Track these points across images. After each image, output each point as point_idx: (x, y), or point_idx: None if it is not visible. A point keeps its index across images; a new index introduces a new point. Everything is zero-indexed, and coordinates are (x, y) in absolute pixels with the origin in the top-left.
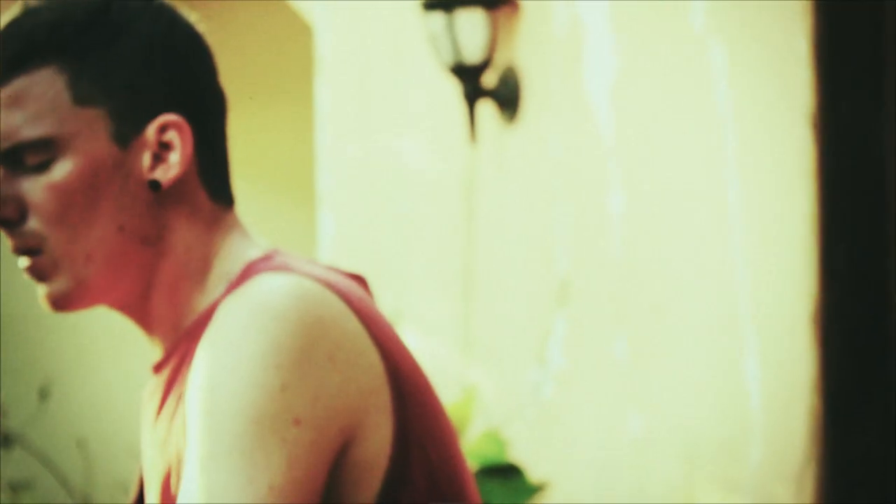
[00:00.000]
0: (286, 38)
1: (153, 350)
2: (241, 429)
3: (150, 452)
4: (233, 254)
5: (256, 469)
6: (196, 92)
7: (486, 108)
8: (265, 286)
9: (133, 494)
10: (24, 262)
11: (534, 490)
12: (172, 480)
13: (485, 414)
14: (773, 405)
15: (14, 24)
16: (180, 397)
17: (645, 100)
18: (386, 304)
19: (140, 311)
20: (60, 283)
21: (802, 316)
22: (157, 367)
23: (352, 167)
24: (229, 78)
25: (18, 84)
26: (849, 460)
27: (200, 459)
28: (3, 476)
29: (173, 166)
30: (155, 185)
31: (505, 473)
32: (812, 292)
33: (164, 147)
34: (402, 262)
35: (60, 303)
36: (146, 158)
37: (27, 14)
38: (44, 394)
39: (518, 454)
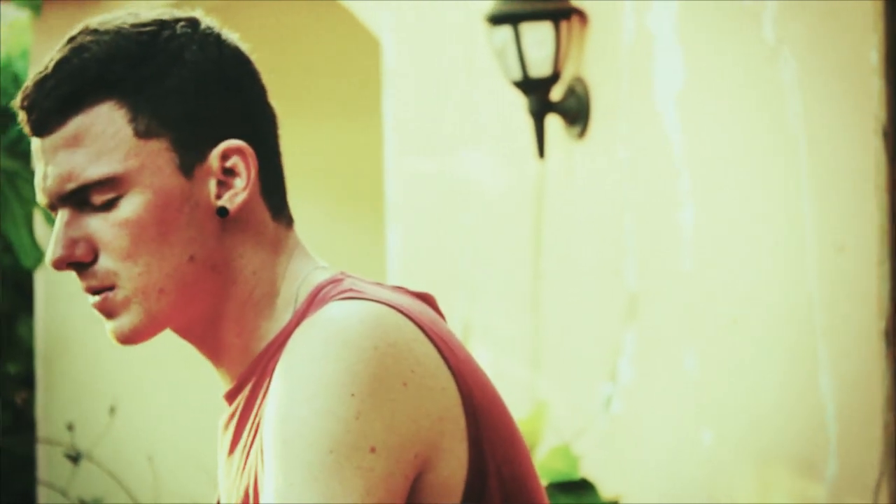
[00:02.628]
0: (354, 51)
1: (223, 383)
2: (317, 458)
3: (227, 483)
4: (299, 277)
5: (334, 498)
6: (251, 114)
7: (553, 121)
8: (338, 313)
9: None
10: (94, 299)
11: None
12: None
13: (555, 429)
14: (846, 420)
15: (64, 62)
16: (255, 426)
17: (714, 111)
18: (455, 318)
19: (207, 339)
20: (132, 318)
21: (875, 330)
22: (230, 396)
23: (419, 181)
24: (297, 92)
25: (77, 123)
26: None
27: (277, 490)
28: (74, 492)
29: (240, 192)
30: (223, 212)
31: (576, 489)
32: (885, 306)
33: (229, 173)
34: (471, 276)
35: (130, 337)
36: (212, 186)
37: (75, 51)
38: (112, 411)
39: (589, 469)
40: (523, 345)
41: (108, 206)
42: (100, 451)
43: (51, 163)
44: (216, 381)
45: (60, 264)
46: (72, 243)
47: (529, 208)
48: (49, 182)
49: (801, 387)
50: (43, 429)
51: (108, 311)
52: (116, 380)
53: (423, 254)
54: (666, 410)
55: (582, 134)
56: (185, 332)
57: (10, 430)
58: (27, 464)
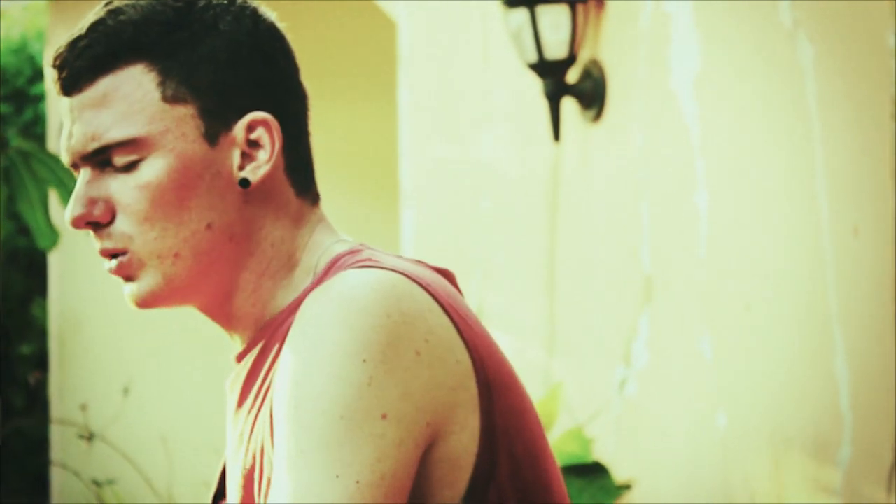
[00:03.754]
0: (370, 34)
1: (234, 346)
2: (328, 424)
3: (233, 442)
4: (319, 248)
5: (344, 465)
6: (281, 89)
7: (569, 104)
8: (352, 280)
9: (215, 485)
10: (109, 264)
11: (619, 489)
12: (256, 473)
13: (569, 412)
14: (861, 404)
15: (99, 24)
16: (264, 389)
17: (730, 95)
18: (470, 301)
19: (223, 310)
20: (148, 282)
21: (890, 313)
22: (240, 357)
23: (435, 164)
24: (314, 75)
25: (105, 83)
26: None
27: (289, 456)
28: (87, 473)
29: (263, 164)
30: (244, 183)
31: (590, 472)
32: None
33: (253, 145)
34: (486, 259)
35: (147, 301)
36: (235, 156)
37: (111, 13)
38: (126, 391)
39: (603, 452)
40: (538, 328)
41: (130, 168)
42: (113, 432)
43: (77, 121)
44: (229, 363)
45: (79, 222)
46: (91, 202)
47: (544, 191)
48: (73, 140)
49: (815, 370)
50: (57, 409)
51: (125, 275)
52: (130, 361)
53: (437, 237)
54: (680, 394)
55: (597, 117)
56: (202, 303)
57: (24, 411)
58: (41, 444)
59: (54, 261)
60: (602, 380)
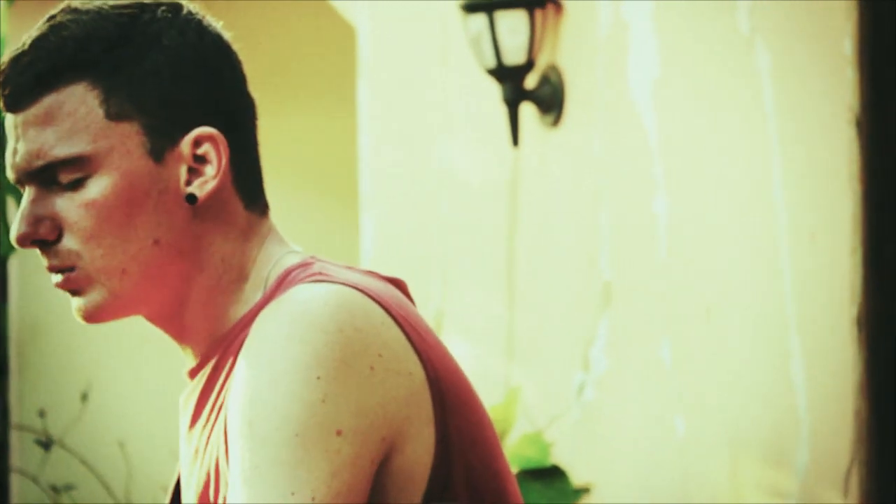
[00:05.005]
0: (329, 39)
1: (186, 360)
2: (283, 441)
3: (187, 458)
4: (270, 261)
5: (299, 481)
6: (228, 102)
7: (528, 109)
8: (304, 296)
9: (169, 496)
10: (56, 278)
11: (577, 493)
12: (210, 490)
13: (528, 416)
14: (818, 408)
15: (41, 40)
16: (217, 406)
17: (689, 101)
18: (428, 306)
19: (174, 323)
20: (95, 297)
21: (848, 318)
22: (193, 373)
23: (394, 169)
24: (272, 81)
25: (49, 101)
26: (894, 463)
27: (243, 474)
28: (45, 478)
29: (210, 179)
30: (192, 199)
31: (548, 476)
32: (857, 294)
33: (200, 160)
34: (445, 264)
35: (94, 315)
36: (182, 172)
37: (54, 29)
38: (84, 397)
39: (561, 457)
40: (497, 332)
41: (75, 185)
42: (72, 438)
43: (21, 139)
44: (185, 370)
45: (24, 241)
46: (36, 221)
47: (504, 196)
48: (18, 158)
49: (773, 375)
50: (15, 415)
51: (72, 290)
52: (89, 366)
53: (397, 242)
54: (639, 399)
55: (556, 122)
56: (152, 315)
57: None
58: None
59: (13, 267)
60: (561, 385)
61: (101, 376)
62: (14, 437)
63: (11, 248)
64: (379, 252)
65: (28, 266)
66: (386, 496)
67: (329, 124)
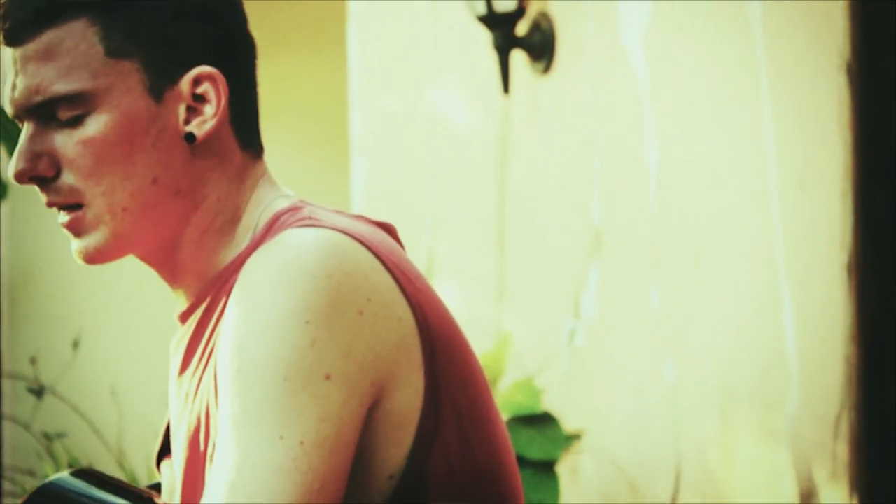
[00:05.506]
0: None
1: (177, 304)
2: (272, 386)
3: (177, 403)
4: (261, 205)
5: (288, 425)
6: (228, 42)
7: (519, 56)
8: (293, 241)
9: (159, 442)
10: (62, 217)
11: (568, 439)
12: (201, 435)
13: (518, 363)
14: (808, 353)
15: None
16: (208, 350)
17: (680, 48)
18: (419, 253)
19: (167, 263)
20: (97, 237)
21: (838, 264)
22: (184, 317)
23: (384, 117)
24: (263, 26)
25: (49, 37)
26: (884, 408)
27: (233, 418)
28: (37, 426)
29: (208, 119)
30: (190, 138)
31: (538, 422)
32: (847, 241)
33: (199, 99)
34: (436, 211)
35: (95, 257)
36: (181, 111)
37: None
38: (76, 344)
39: (552, 403)
40: (488, 279)
41: (74, 122)
42: (63, 385)
43: (21, 73)
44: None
45: (22, 177)
46: (34, 157)
47: (494, 143)
48: (17, 93)
49: (763, 321)
50: (6, 363)
51: (76, 231)
52: (80, 314)
53: (387, 188)
54: (629, 345)
55: (547, 69)
56: (146, 255)
57: None
58: None
59: (3, 214)
60: (551, 331)
61: (92, 324)
62: (5, 385)
63: (2, 195)
64: (369, 198)
65: (18, 213)
66: (376, 440)
67: (319, 71)
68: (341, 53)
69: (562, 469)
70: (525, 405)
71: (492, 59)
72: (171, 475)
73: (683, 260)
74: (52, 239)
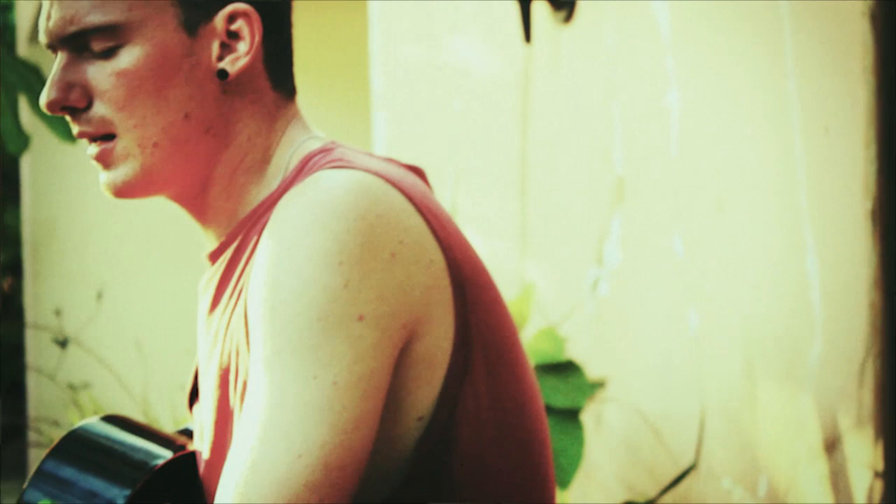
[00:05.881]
0: None
1: (207, 244)
2: (305, 327)
3: (206, 343)
4: (292, 145)
5: (321, 366)
6: None
7: (540, 5)
8: (326, 183)
9: (189, 385)
10: (92, 149)
11: (592, 387)
12: (231, 374)
13: (541, 312)
14: (833, 300)
15: None
16: (237, 290)
17: None
18: (441, 203)
19: (197, 201)
20: (126, 171)
21: (862, 212)
22: (213, 256)
23: (406, 67)
24: None
25: None
26: None
27: (265, 358)
28: (62, 377)
29: (241, 56)
30: (222, 75)
31: (562, 370)
32: (871, 188)
33: (233, 36)
34: (458, 161)
35: (122, 190)
36: (214, 47)
37: None
38: (99, 296)
39: (575, 352)
40: (510, 229)
41: (108, 54)
42: (88, 337)
43: (56, 4)
44: (202, 267)
45: (54, 107)
46: (67, 87)
47: (516, 93)
48: (52, 23)
49: (787, 267)
50: (31, 315)
51: (105, 162)
52: (103, 266)
53: (409, 139)
54: (652, 293)
55: (568, 18)
56: (176, 194)
57: None
58: (16, 350)
59: (26, 169)
60: (574, 280)
61: (115, 276)
62: (30, 337)
63: (22, 148)
64: (391, 150)
65: (40, 169)
66: (407, 381)
67: (340, 22)
68: (362, 4)
69: (585, 418)
70: (549, 353)
71: (513, 8)
72: (201, 417)
73: (706, 207)
74: (74, 193)
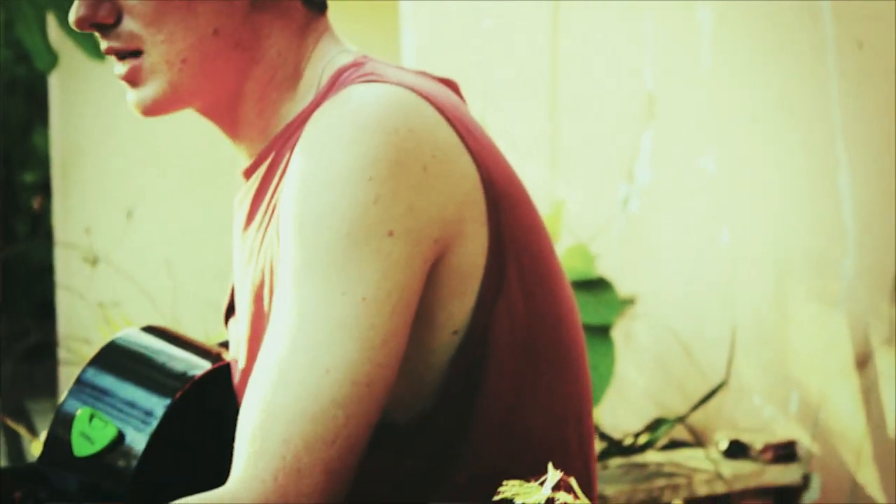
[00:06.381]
0: None
1: (240, 161)
2: (335, 242)
3: (241, 259)
4: (323, 60)
5: (350, 281)
6: None
7: None
8: (358, 97)
9: (226, 301)
10: (120, 68)
11: (622, 303)
12: (265, 290)
13: (572, 230)
14: (865, 217)
15: None
16: (272, 206)
17: None
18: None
19: (228, 117)
20: (154, 88)
21: (893, 127)
22: (247, 173)
23: None
24: None
25: None
26: None
27: (295, 272)
28: (92, 296)
29: None
30: None
31: (594, 287)
32: None
33: None
34: (488, 78)
35: (151, 108)
36: None
37: None
38: (129, 215)
39: (606, 268)
40: (540, 146)
41: None
42: (117, 255)
43: None
44: (233, 185)
45: (83, 23)
46: (96, 3)
47: (546, 8)
48: None
49: (819, 183)
50: (60, 234)
51: (133, 80)
52: (133, 185)
53: (438, 55)
54: (684, 210)
55: None
56: (206, 109)
57: (27, 237)
58: (46, 269)
59: (54, 88)
60: (605, 198)
61: (145, 195)
62: (59, 256)
63: (51, 65)
64: (420, 66)
65: (69, 88)
66: (440, 296)
67: None
68: None
69: (616, 334)
70: (580, 270)
71: None
72: (237, 332)
73: (738, 123)
74: (103, 112)
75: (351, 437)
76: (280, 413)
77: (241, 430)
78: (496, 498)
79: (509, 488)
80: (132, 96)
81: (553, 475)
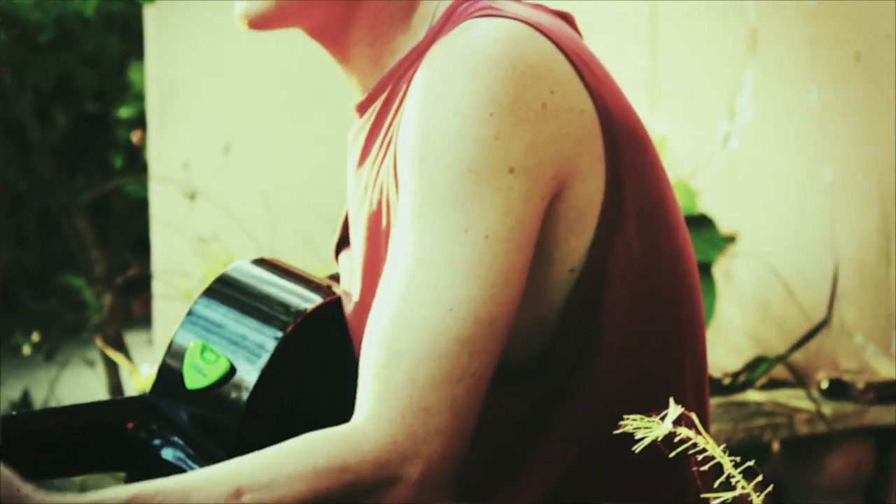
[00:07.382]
0: None
1: (353, 95)
2: (455, 179)
3: (356, 194)
4: None
5: (471, 218)
6: None
7: None
8: (476, 31)
9: (337, 234)
10: None
11: (725, 240)
12: (382, 221)
13: (672, 167)
14: None
15: None
16: (387, 141)
17: None
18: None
19: (338, 43)
20: (261, 2)
21: None
22: (361, 108)
23: None
24: None
25: None
26: None
27: (415, 209)
28: (189, 230)
29: None
30: None
31: (695, 223)
32: None
33: None
34: (586, 13)
35: (257, 21)
36: None
37: None
38: (227, 150)
39: (707, 205)
40: (640, 83)
41: None
42: (215, 190)
43: None
44: (331, 120)
45: None
46: None
47: None
48: None
49: None
50: (157, 168)
51: None
52: (230, 119)
53: None
54: (785, 147)
55: None
56: (315, 31)
57: (124, 171)
58: (142, 203)
59: (150, 23)
60: (706, 134)
61: (243, 130)
62: (156, 191)
63: None
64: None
65: (165, 21)
66: (556, 233)
67: None
68: None
69: (715, 272)
70: (681, 207)
71: None
72: (350, 266)
73: (842, 59)
74: (199, 47)
75: (476, 375)
76: (405, 352)
77: (364, 369)
78: (616, 432)
79: (630, 422)
80: (239, 7)
81: (674, 409)
